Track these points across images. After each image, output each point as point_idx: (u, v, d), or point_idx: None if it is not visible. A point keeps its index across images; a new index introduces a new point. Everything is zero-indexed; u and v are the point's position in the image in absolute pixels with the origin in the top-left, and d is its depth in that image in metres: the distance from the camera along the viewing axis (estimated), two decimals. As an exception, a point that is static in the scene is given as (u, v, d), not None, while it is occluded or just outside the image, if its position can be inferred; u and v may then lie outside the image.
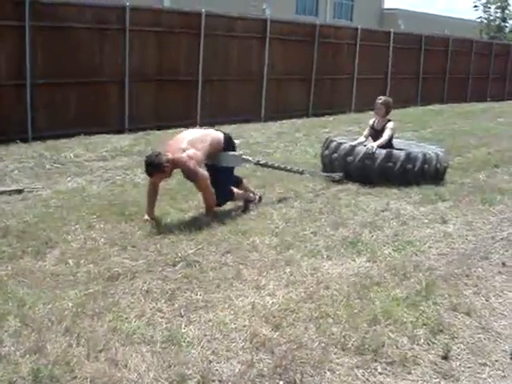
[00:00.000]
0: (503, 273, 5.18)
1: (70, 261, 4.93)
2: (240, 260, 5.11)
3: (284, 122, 15.43)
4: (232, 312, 4.12)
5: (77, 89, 11.89)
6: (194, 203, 6.70)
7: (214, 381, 3.28)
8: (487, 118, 18.18)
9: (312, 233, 5.99)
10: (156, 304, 4.21)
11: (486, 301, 4.58)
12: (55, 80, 11.45)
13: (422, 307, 4.31)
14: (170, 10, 15.03)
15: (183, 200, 6.84)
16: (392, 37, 20.29)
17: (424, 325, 4.06)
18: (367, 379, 3.41)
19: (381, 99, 8.86)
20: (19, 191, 7.22)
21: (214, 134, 6.49)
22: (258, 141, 12.23)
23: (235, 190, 6.65)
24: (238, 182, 6.84)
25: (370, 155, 8.15)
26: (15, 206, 6.61)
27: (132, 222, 6.02)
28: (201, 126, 13.69)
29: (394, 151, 8.29)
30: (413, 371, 3.52)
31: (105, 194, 5.88)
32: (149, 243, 5.43)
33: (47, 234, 5.58)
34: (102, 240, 5.46)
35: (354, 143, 8.60)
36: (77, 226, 5.79)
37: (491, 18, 40.49)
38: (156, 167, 5.91)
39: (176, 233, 5.73)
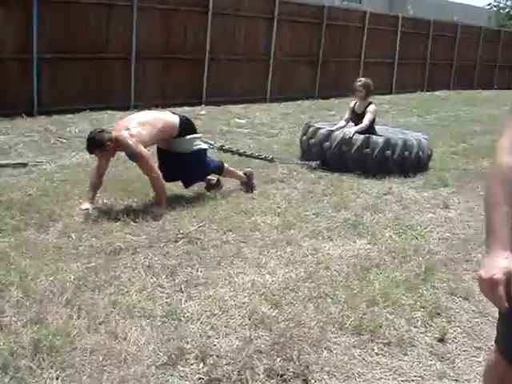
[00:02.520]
0: (503, 259, 5.19)
1: (73, 234, 4.97)
2: (241, 238, 5.15)
3: (289, 103, 15.41)
4: (232, 289, 4.16)
5: (83, 64, 11.87)
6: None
7: (212, 356, 3.31)
8: (493, 106, 18.10)
9: (314, 214, 6.01)
10: (157, 279, 4.25)
11: (485, 286, 4.60)
12: (62, 55, 11.43)
13: (420, 290, 4.33)
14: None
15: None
16: (400, 21, 20.20)
17: (422, 307, 4.08)
18: (364, 359, 3.44)
19: (360, 81, 8.46)
20: (24, 165, 7.25)
21: (168, 119, 6.05)
22: (263, 121, 12.24)
23: (226, 165, 6.48)
24: (219, 168, 6.43)
25: (347, 141, 7.80)
26: (19, 179, 6.64)
27: (135, 197, 6.06)
28: (206, 104, 13.72)
29: (373, 137, 7.91)
30: (409, 352, 3.55)
31: (109, 169, 5.90)
32: (151, 219, 5.45)
33: (51, 208, 5.61)
34: (106, 214, 5.49)
35: (332, 128, 8.23)
36: (80, 201, 5.81)
37: (501, 5, 40.24)
38: (97, 145, 5.62)
39: (178, 210, 5.77)
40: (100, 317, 3.63)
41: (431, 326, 3.88)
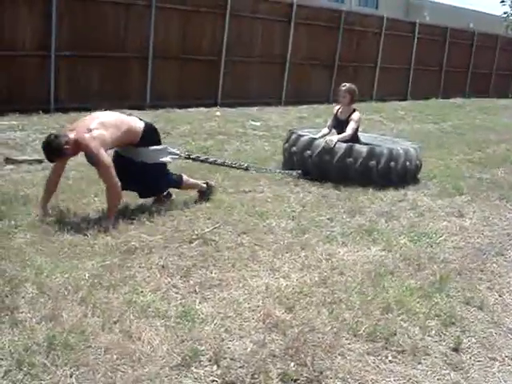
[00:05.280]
0: (518, 270, 5.17)
1: (88, 232, 4.98)
2: (256, 241, 5.14)
3: (305, 107, 15.40)
4: (246, 292, 4.15)
5: (100, 63, 11.95)
6: (212, 182, 6.72)
7: (225, 358, 3.31)
8: (508, 115, 18.05)
9: (328, 219, 6.00)
10: (171, 279, 4.25)
11: (500, 296, 4.58)
12: (80, 53, 11.50)
13: (435, 299, 4.31)
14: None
15: (201, 179, 6.82)
16: (417, 28, 20.16)
17: (436, 316, 4.06)
18: (377, 366, 3.43)
19: (345, 86, 7.99)
20: (40, 161, 7.27)
21: (133, 123, 5.60)
22: (278, 124, 12.24)
23: (185, 178, 6.09)
24: (179, 183, 6.06)
25: (328, 150, 7.39)
26: (35, 175, 6.67)
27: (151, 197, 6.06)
28: (222, 106, 13.75)
29: (356, 146, 7.47)
30: (423, 361, 3.54)
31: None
32: (166, 219, 5.46)
33: (66, 205, 5.63)
34: (121, 214, 5.50)
35: (314, 136, 7.86)
36: (96, 199, 5.83)
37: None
38: (55, 151, 5.19)
39: (193, 210, 5.78)
40: (114, 316, 3.64)
41: (445, 335, 3.86)
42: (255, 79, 15.19)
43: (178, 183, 6.04)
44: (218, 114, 12.79)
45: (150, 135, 5.71)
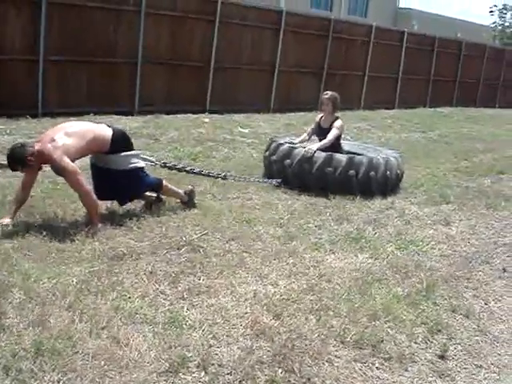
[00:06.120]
0: (503, 278, 5.20)
1: (76, 238, 4.97)
2: (244, 248, 5.15)
3: (293, 114, 15.45)
4: (234, 298, 4.16)
5: (89, 67, 11.95)
6: (200, 188, 6.74)
7: (213, 364, 3.32)
8: (495, 124, 18.19)
9: (316, 226, 6.03)
10: (159, 286, 4.25)
11: (485, 304, 4.61)
12: (68, 57, 11.49)
13: (421, 306, 4.33)
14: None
15: (189, 185, 6.82)
16: (406, 37, 20.27)
17: (423, 324, 4.09)
18: (364, 373, 3.44)
19: (327, 94, 7.95)
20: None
21: (99, 131, 5.50)
22: (267, 131, 12.27)
23: (165, 183, 6.01)
24: (158, 185, 5.98)
25: (308, 158, 7.28)
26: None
27: (138, 203, 6.05)
28: (210, 112, 13.77)
29: (336, 155, 7.32)
30: (410, 368, 3.56)
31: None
32: (154, 226, 5.46)
33: (54, 210, 5.63)
34: (108, 219, 5.49)
35: (293, 144, 7.78)
36: (83, 204, 5.82)
37: (506, 24, 40.35)
38: (17, 161, 5.13)
39: (181, 217, 5.78)
40: (102, 322, 3.63)
41: (432, 342, 3.88)
42: (244, 86, 15.22)
43: (158, 186, 5.96)
44: (206, 120, 12.80)
45: (120, 142, 5.60)
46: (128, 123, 11.15)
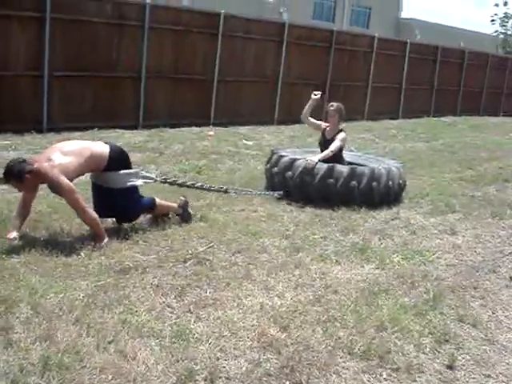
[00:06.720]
0: (510, 287, 5.19)
1: (82, 252, 4.98)
2: (250, 260, 5.16)
3: (297, 126, 15.38)
4: (240, 311, 4.16)
5: (93, 83, 12.01)
6: (205, 201, 6.76)
7: (221, 377, 3.32)
8: (499, 133, 18.17)
9: (322, 237, 6.03)
10: (166, 299, 4.26)
11: (493, 313, 4.59)
12: (72, 73, 11.57)
13: (428, 316, 4.33)
14: (189, 10, 15.11)
15: (195, 198, 6.83)
16: (408, 47, 20.30)
17: (430, 334, 4.08)
18: (372, 384, 3.44)
19: (333, 106, 7.92)
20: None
21: (96, 148, 5.48)
22: (271, 143, 12.29)
23: (157, 201, 5.93)
24: (151, 206, 5.91)
25: (309, 170, 7.27)
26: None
27: (144, 217, 6.06)
28: (214, 125, 13.80)
29: (337, 166, 7.30)
30: (418, 379, 3.55)
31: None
32: (160, 239, 5.47)
33: (60, 225, 5.65)
34: (115, 233, 5.50)
35: (295, 156, 7.69)
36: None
37: (509, 32, 40.37)
38: (14, 175, 5.07)
39: (187, 230, 5.79)
40: (109, 336, 3.64)
41: (440, 352, 3.87)
42: (248, 98, 15.25)
43: (151, 207, 5.91)
44: (210, 133, 12.84)
45: (117, 159, 5.58)
46: (132, 137, 11.21)
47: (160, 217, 6.08)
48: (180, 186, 6.44)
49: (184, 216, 6.13)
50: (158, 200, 5.97)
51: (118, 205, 5.57)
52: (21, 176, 5.05)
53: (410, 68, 20.42)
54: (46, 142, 9.85)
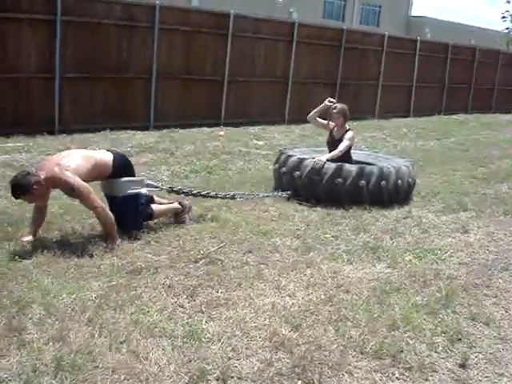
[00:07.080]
0: (523, 285, 5.17)
1: (94, 253, 5.00)
2: (261, 260, 5.16)
3: (307, 125, 15.29)
4: (252, 311, 4.16)
5: (104, 84, 12.05)
6: (216, 202, 6.75)
7: (233, 377, 3.32)
8: (511, 130, 18.08)
9: (333, 236, 6.02)
10: (178, 299, 4.27)
11: (506, 312, 4.57)
12: (83, 74, 11.62)
13: (441, 315, 4.31)
14: (199, 10, 15.14)
15: (205, 198, 6.82)
16: (419, 45, 20.23)
17: (443, 333, 4.07)
18: (385, 383, 3.43)
19: (336, 108, 7.80)
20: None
21: (100, 156, 5.52)
22: (281, 143, 12.28)
23: (154, 207, 5.90)
24: (150, 216, 5.86)
25: (317, 170, 7.21)
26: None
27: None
28: (225, 125, 13.81)
29: (346, 165, 7.25)
30: (430, 378, 3.53)
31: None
32: (172, 239, 5.49)
33: (72, 226, 5.67)
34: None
35: (303, 156, 7.61)
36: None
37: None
38: (23, 190, 4.99)
39: (198, 230, 5.80)
40: (121, 336, 3.65)
41: (452, 351, 3.86)
42: (258, 98, 15.24)
43: (150, 217, 5.87)
44: (221, 133, 12.85)
45: (121, 166, 5.60)
46: (143, 138, 11.24)
47: (173, 216, 6.12)
48: (186, 194, 6.42)
49: (179, 220, 6.11)
50: (154, 206, 5.92)
51: (122, 211, 5.52)
52: (28, 189, 4.98)
53: (420, 66, 20.35)
54: (58, 144, 9.91)
